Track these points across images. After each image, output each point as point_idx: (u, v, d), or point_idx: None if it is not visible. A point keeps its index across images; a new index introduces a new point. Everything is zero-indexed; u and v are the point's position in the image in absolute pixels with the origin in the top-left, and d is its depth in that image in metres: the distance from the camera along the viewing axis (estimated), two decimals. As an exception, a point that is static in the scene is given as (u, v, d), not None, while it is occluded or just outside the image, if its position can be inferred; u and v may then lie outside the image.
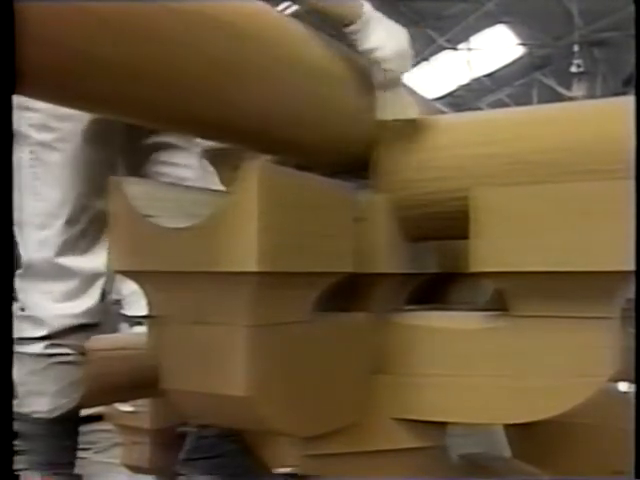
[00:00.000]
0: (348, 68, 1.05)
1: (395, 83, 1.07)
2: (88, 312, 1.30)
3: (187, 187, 1.03)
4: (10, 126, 0.63)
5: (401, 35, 1.07)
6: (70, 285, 1.25)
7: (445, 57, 10.54)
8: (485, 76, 11.07)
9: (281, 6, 1.23)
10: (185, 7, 0.75)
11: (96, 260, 1.26)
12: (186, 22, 0.75)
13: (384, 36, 1.04)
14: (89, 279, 1.26)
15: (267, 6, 0.91)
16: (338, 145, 1.05)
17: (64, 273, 1.23)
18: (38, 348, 1.28)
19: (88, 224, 1.24)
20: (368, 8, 1.04)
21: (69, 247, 1.22)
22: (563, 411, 0.93)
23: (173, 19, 0.74)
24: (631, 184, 0.83)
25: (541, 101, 10.06)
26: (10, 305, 0.64)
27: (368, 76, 1.07)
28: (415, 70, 10.59)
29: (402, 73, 1.08)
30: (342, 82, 1.02)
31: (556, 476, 1.31)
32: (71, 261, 1.23)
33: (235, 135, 0.94)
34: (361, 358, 0.99)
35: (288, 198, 0.80)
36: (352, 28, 1.02)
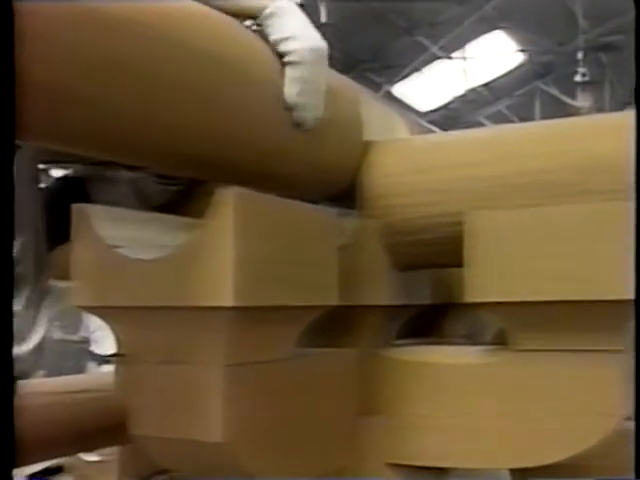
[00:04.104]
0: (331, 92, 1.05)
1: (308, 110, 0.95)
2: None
3: (156, 214, 1.03)
4: (11, 167, 0.63)
5: (320, 40, 0.97)
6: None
7: (439, 67, 10.62)
8: (482, 86, 11.17)
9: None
10: (151, 34, 0.75)
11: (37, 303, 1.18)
12: (153, 50, 0.75)
13: (299, 26, 0.94)
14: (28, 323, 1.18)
15: (241, 27, 0.92)
16: (323, 175, 1.06)
17: None
18: None
19: (31, 265, 1.19)
20: (284, 3, 0.96)
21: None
22: (572, 455, 0.92)
23: (140, 45, 0.74)
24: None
25: (544, 112, 10.15)
26: (10, 305, 0.63)
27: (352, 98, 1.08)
28: (407, 81, 10.68)
29: (316, 86, 0.95)
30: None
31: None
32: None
33: (214, 169, 0.94)
34: (349, 398, 0.99)
35: (267, 226, 0.81)
36: (263, 17, 0.95)
